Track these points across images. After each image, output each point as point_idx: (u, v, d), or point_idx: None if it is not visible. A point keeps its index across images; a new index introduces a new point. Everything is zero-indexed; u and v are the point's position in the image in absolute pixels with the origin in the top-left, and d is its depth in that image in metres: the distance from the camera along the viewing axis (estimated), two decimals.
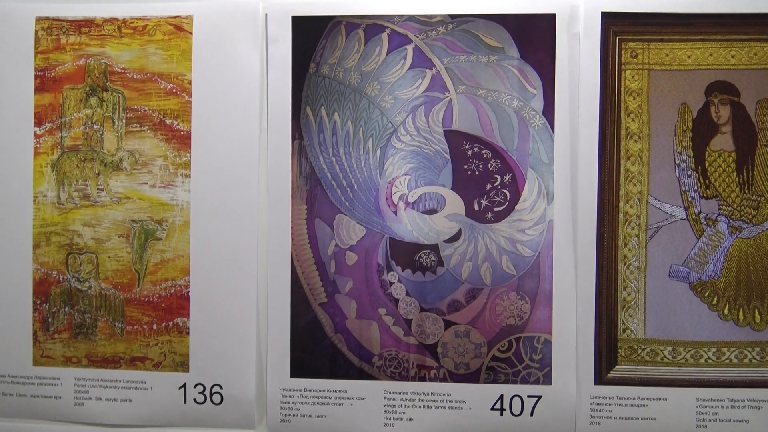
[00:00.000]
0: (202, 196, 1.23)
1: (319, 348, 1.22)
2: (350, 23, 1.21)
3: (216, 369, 1.23)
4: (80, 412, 1.26)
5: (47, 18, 1.26)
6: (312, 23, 1.21)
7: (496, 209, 1.20)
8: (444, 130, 1.20)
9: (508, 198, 1.19)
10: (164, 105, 1.24)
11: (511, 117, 1.19)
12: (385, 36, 1.20)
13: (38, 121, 1.26)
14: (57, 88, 1.26)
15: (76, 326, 1.26)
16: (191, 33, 1.23)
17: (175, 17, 1.23)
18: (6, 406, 1.27)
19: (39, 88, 1.26)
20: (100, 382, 1.26)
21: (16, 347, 1.27)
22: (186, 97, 1.23)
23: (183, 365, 1.24)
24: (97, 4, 1.25)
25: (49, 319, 1.27)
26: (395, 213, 1.21)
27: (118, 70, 1.25)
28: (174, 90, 1.23)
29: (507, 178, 1.19)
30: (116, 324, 1.25)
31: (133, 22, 1.24)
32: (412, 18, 1.20)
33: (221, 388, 1.24)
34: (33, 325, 1.27)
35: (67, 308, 1.26)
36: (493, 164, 1.19)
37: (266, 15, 1.22)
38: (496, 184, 1.20)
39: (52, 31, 1.25)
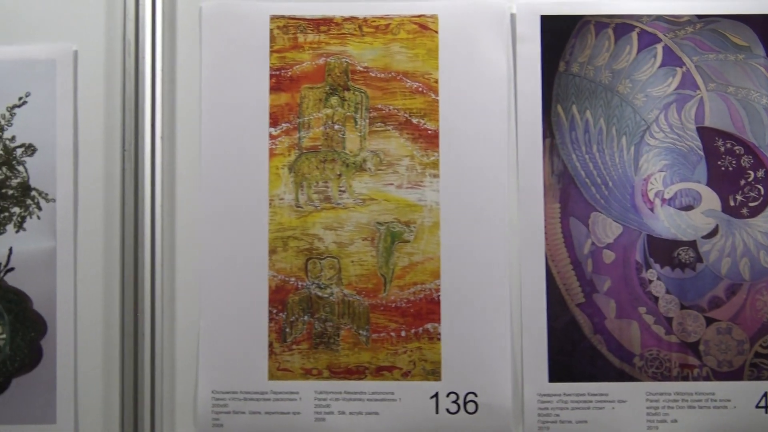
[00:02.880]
0: (451, 196, 1.20)
1: (578, 350, 1.19)
2: (599, 22, 1.22)
3: (470, 376, 1.18)
4: (322, 427, 1.18)
5: (282, 17, 1.22)
6: (561, 22, 1.21)
7: (751, 204, 1.20)
8: (696, 127, 1.21)
9: (763, 193, 1.20)
10: (410, 104, 1.21)
11: (761, 114, 1.21)
12: (634, 35, 1.21)
13: (274, 122, 1.21)
14: (294, 88, 1.21)
15: (316, 336, 1.19)
16: (437, 32, 1.21)
17: (420, 16, 1.22)
18: (238, 426, 1.18)
19: (274, 88, 1.21)
20: (344, 394, 1.19)
21: (249, 361, 1.19)
22: (433, 95, 1.21)
23: (434, 373, 1.19)
24: (336, 3, 1.22)
25: (287, 329, 1.19)
26: (652, 210, 1.20)
27: (361, 68, 1.21)
28: (420, 89, 1.21)
29: (760, 173, 1.20)
30: (361, 332, 1.19)
31: (375, 21, 1.22)
32: (660, 18, 1.22)
33: (476, 396, 1.18)
34: (269, 336, 1.19)
35: (306, 317, 1.20)
36: (746, 160, 1.20)
37: (512, 14, 1.22)
38: (749, 180, 1.20)
39: (289, 29, 1.22)
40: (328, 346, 1.19)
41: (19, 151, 1.21)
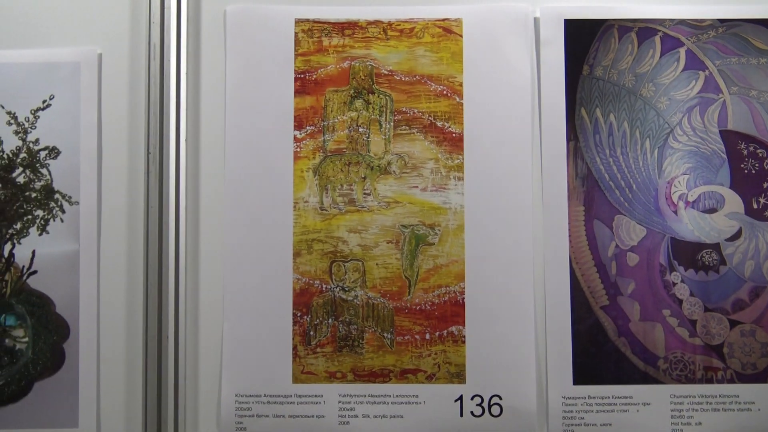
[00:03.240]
0: (476, 199, 1.20)
1: (602, 353, 1.19)
2: (623, 27, 1.22)
3: (494, 379, 1.18)
4: (346, 431, 1.18)
5: (307, 20, 1.22)
6: (584, 27, 1.22)
7: None
8: (719, 130, 1.21)
9: None
10: (435, 107, 1.21)
11: None
12: (657, 39, 1.22)
13: (298, 125, 1.21)
14: (319, 91, 1.22)
15: (340, 339, 1.19)
16: (461, 36, 1.22)
17: (444, 20, 1.22)
18: (261, 429, 1.18)
19: (299, 91, 1.22)
20: (368, 398, 1.19)
21: (273, 364, 1.19)
22: (457, 99, 1.21)
23: (459, 376, 1.18)
24: (361, 6, 1.22)
25: (311, 332, 1.19)
26: (675, 213, 1.21)
27: (385, 72, 1.22)
28: (445, 92, 1.21)
29: None
30: (385, 335, 1.19)
31: (399, 25, 1.22)
32: (682, 22, 1.22)
33: (500, 399, 1.18)
34: (293, 339, 1.19)
35: (330, 320, 1.19)
36: None
37: (536, 18, 1.22)
38: None
39: (313, 33, 1.22)
40: (353, 349, 1.19)
41: (42, 153, 1.21)
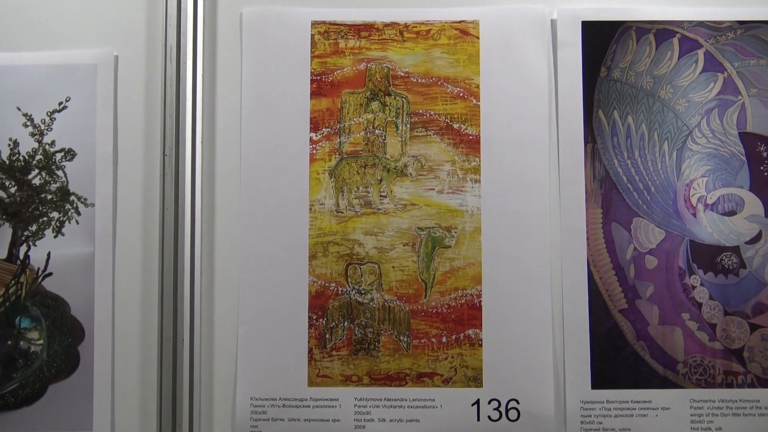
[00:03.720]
0: (493, 201, 1.19)
1: (621, 357, 1.18)
2: (640, 28, 1.21)
3: (512, 383, 1.17)
4: None
5: (324, 22, 1.22)
6: (602, 28, 1.21)
7: None
8: (738, 132, 1.20)
9: None
10: (451, 109, 1.21)
11: None
12: (675, 41, 1.21)
13: (314, 127, 1.21)
14: (335, 93, 1.21)
15: (356, 342, 1.18)
16: (478, 38, 1.21)
17: (461, 22, 1.22)
18: None
19: (315, 93, 1.21)
20: (384, 401, 1.18)
21: (289, 367, 1.18)
22: (474, 101, 1.20)
23: (476, 380, 1.17)
24: (377, 9, 1.22)
25: (327, 335, 1.18)
26: (694, 215, 1.20)
27: (402, 74, 1.21)
28: (461, 94, 1.21)
29: None
30: (401, 338, 1.18)
31: (416, 27, 1.22)
32: (701, 24, 1.22)
33: (518, 403, 1.17)
34: (308, 342, 1.18)
35: (346, 323, 1.19)
36: None
37: (553, 20, 1.22)
38: None
39: (330, 35, 1.22)
40: (368, 352, 1.18)
41: (58, 155, 1.21)
